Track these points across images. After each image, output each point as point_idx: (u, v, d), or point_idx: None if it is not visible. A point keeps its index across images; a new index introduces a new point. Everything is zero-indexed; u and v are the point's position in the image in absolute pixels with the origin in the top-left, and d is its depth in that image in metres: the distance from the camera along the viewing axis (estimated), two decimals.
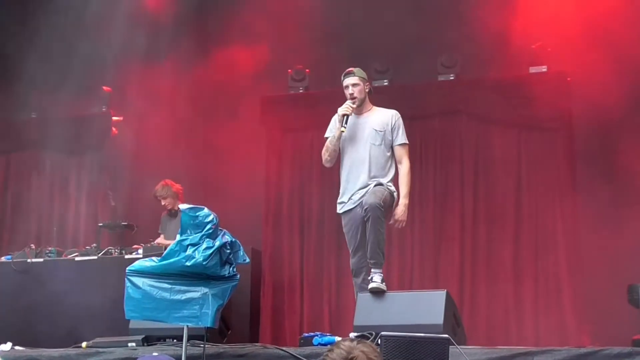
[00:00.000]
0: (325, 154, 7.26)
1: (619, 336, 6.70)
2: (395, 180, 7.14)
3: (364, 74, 7.28)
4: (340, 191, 7.23)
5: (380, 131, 7.11)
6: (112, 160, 11.20)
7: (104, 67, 10.58)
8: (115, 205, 10.85)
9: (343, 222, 7.20)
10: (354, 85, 7.16)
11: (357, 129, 7.18)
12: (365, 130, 7.14)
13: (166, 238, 9.31)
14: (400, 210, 7.05)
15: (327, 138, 7.24)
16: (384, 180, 7.05)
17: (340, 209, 7.20)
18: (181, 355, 6.00)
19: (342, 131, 7.05)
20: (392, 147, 7.15)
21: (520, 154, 9.80)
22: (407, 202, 7.07)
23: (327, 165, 7.35)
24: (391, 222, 7.08)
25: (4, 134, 11.73)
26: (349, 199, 7.11)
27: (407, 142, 7.20)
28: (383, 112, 7.25)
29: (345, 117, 7.04)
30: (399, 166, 7.14)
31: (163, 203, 9.57)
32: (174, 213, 9.50)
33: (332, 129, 7.23)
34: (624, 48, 8.90)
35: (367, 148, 7.10)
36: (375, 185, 7.00)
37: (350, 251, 7.15)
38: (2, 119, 11.63)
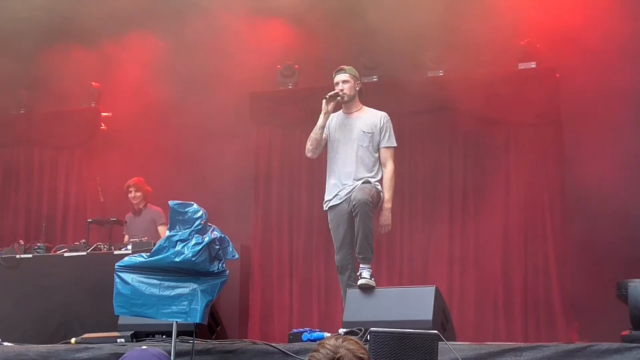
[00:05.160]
0: (307, 144, 7.27)
1: (607, 332, 6.70)
2: (382, 181, 7.14)
3: (355, 72, 7.29)
4: (327, 189, 7.23)
5: (369, 133, 7.11)
6: (101, 156, 11.17)
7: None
8: (104, 200, 10.81)
9: (329, 218, 7.21)
10: (344, 81, 7.17)
11: (345, 129, 7.19)
12: (354, 131, 7.15)
13: (130, 238, 9.31)
14: (384, 215, 7.08)
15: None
16: (372, 180, 7.06)
17: (326, 206, 7.21)
18: (170, 351, 5.99)
19: (325, 99, 7.08)
20: (379, 149, 7.16)
21: (509, 150, 9.81)
22: (390, 206, 7.10)
23: (309, 155, 7.35)
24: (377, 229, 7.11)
25: None
26: (335, 195, 7.12)
27: (394, 145, 7.20)
28: (372, 113, 7.25)
29: (334, 96, 7.08)
30: (383, 169, 7.14)
31: (133, 195, 9.76)
32: (138, 211, 9.82)
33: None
34: (613, 44, 8.92)
35: (355, 149, 7.11)
36: (362, 183, 7.00)
37: (335, 247, 7.16)
38: None
